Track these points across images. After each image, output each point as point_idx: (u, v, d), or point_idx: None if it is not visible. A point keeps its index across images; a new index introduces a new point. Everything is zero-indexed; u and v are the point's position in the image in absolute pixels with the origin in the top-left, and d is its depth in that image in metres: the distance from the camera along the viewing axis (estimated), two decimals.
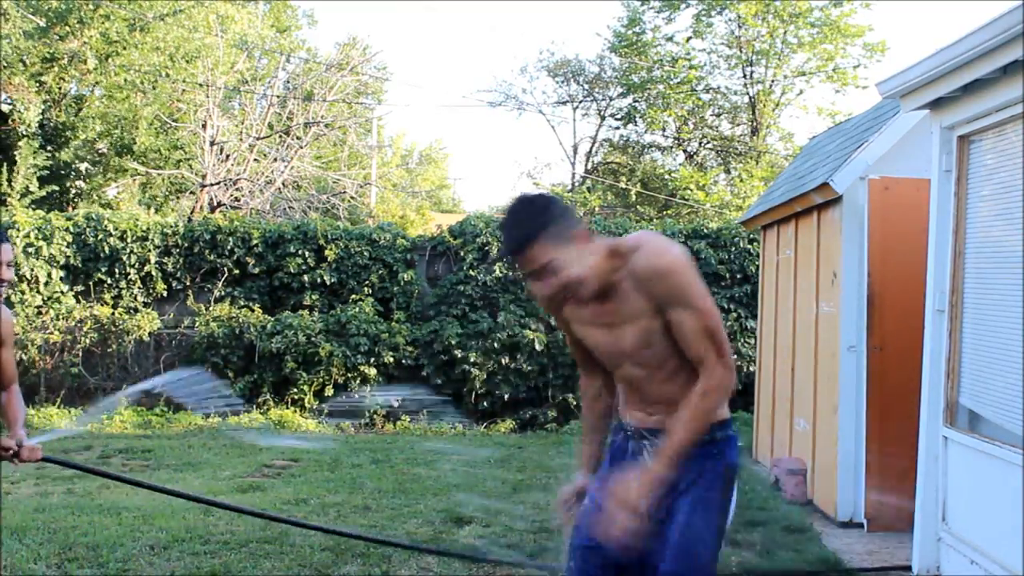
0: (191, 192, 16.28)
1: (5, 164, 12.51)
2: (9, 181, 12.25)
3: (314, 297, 10.89)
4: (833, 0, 20.04)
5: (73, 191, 14.10)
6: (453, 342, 10.43)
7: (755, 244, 10.79)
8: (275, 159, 16.68)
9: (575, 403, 10.60)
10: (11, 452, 3.37)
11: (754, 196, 17.79)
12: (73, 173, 14.16)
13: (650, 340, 2.35)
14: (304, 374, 10.36)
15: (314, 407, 10.47)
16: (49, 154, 13.63)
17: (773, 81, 21.12)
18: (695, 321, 2.29)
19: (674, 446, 2.30)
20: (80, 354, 10.39)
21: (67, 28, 14.14)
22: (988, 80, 3.80)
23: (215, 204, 15.13)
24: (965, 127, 4.21)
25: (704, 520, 2.39)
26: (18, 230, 10.51)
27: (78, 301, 10.70)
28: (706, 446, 2.40)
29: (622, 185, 22.23)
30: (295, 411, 10.30)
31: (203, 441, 8.96)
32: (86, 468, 3.60)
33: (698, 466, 2.38)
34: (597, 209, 20.09)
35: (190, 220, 12.56)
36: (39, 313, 10.48)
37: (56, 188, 13.57)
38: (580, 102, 24.14)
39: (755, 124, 21.12)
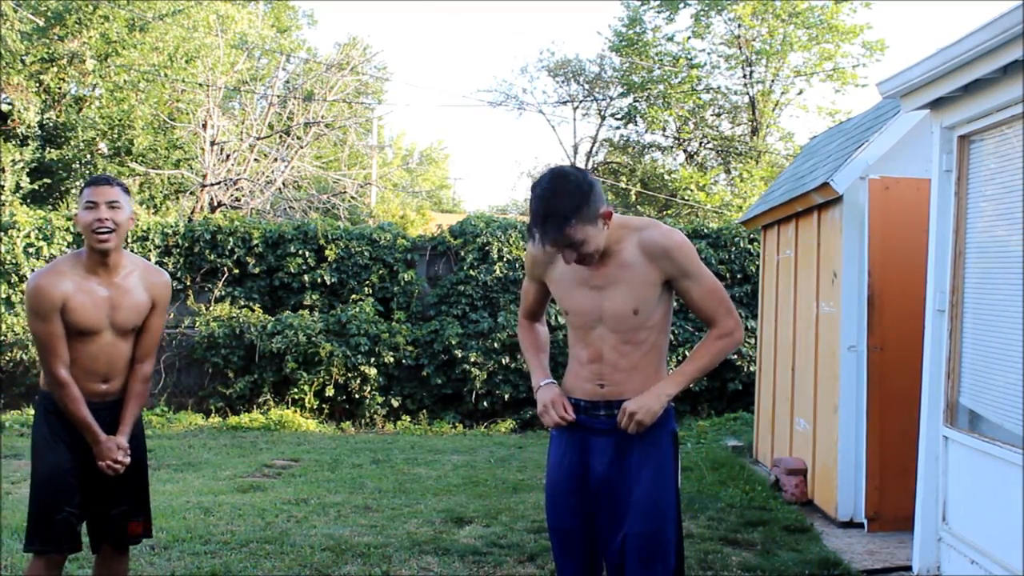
0: (191, 192, 16.27)
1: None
2: None
3: (314, 297, 10.88)
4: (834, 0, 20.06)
5: (73, 191, 14.09)
6: (453, 342, 10.43)
7: (755, 244, 10.79)
8: (275, 159, 16.68)
9: None
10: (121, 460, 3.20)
11: (754, 196, 17.80)
12: (73, 173, 14.14)
13: (640, 306, 2.62)
14: (304, 374, 10.36)
15: (314, 407, 10.47)
16: (46, 153, 13.61)
17: (773, 81, 21.12)
18: (702, 287, 2.65)
19: (688, 373, 2.67)
20: None
21: (66, 28, 14.12)
22: (988, 80, 3.79)
23: (215, 204, 15.12)
24: (965, 127, 4.20)
25: (664, 483, 2.63)
26: (19, 230, 10.52)
27: None
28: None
29: (622, 185, 22.23)
30: (295, 411, 10.30)
31: (203, 441, 8.96)
32: None
33: (650, 435, 2.63)
34: None
35: (190, 220, 12.56)
36: None
37: (48, 182, 13.53)
38: (580, 102, 24.14)
39: (755, 124, 21.12)
